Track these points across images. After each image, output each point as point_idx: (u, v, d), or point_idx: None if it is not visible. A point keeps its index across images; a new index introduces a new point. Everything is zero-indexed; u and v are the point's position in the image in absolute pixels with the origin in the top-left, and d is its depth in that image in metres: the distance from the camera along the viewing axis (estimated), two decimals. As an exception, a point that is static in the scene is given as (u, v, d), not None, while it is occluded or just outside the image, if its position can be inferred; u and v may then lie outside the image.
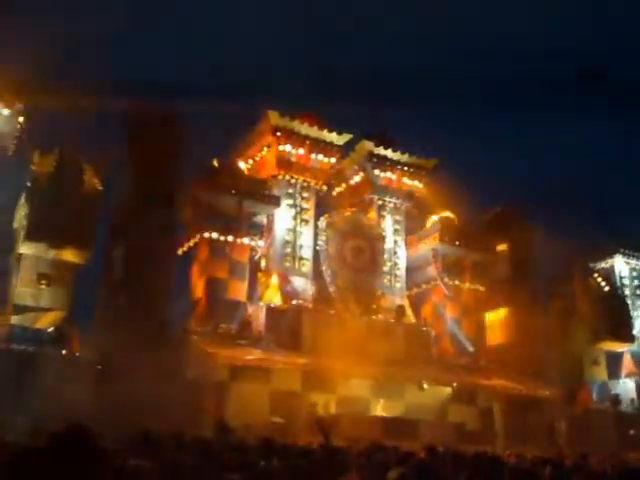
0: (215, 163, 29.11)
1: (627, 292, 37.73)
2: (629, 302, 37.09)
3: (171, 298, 26.10)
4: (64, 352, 22.68)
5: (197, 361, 22.22)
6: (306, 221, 30.84)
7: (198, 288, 27.80)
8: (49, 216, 23.78)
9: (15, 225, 25.30)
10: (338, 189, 34.32)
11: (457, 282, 33.71)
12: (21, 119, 24.74)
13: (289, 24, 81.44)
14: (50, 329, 23.66)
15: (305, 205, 31.03)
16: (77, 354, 23.10)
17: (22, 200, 24.94)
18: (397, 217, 33.97)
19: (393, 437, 19.25)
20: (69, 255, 24.78)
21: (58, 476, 2.52)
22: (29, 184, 24.86)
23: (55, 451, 2.54)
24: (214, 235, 27.66)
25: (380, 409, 26.19)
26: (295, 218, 30.57)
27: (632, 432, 30.01)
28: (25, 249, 24.37)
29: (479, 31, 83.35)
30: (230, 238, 27.98)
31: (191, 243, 28.60)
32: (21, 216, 24.79)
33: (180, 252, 28.71)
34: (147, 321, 22.60)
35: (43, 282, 24.21)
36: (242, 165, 31.55)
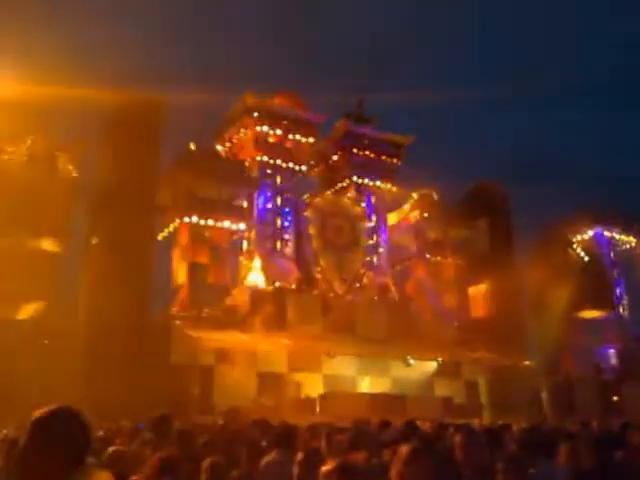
0: (192, 147, 28.76)
1: (606, 262, 38.14)
2: (608, 271, 37.55)
3: (153, 284, 25.91)
4: (46, 342, 22.48)
5: (182, 346, 22.11)
6: (286, 202, 30.65)
7: (180, 273, 27.60)
8: (25, 206, 23.41)
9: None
10: (317, 169, 34.16)
11: (439, 257, 33.87)
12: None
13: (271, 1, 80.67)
14: (32, 319, 23.41)
15: (285, 186, 30.82)
16: (61, 344, 22.89)
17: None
18: (377, 195, 33.90)
19: (380, 413, 19.35)
20: (47, 244, 24.48)
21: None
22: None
23: (39, 433, 2.51)
24: (194, 219, 27.40)
25: (366, 386, 26.33)
26: (275, 199, 30.37)
27: (615, 399, 30.52)
28: (2, 240, 23.98)
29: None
30: (210, 222, 27.75)
31: (171, 228, 28.34)
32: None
33: (160, 237, 28.45)
34: (129, 308, 22.42)
35: (22, 272, 23.88)
36: (220, 148, 31.27)
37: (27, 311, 23.67)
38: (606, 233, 38.77)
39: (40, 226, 24.00)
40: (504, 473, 3.93)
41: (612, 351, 35.43)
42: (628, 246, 39.23)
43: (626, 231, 38.97)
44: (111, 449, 5.81)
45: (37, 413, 2.55)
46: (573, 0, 79.96)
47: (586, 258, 36.92)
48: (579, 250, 37.12)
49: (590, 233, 38.68)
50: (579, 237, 38.37)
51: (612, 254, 38.75)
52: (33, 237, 24.06)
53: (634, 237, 38.96)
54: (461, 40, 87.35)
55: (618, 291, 37.61)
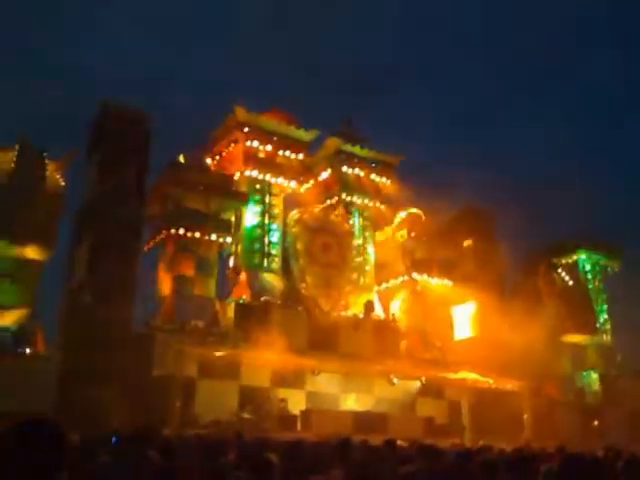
0: (181, 159, 28.76)
1: (590, 286, 38.44)
2: (592, 296, 37.83)
3: (137, 295, 25.72)
4: (28, 351, 22.23)
5: (165, 358, 21.95)
6: (274, 218, 30.66)
7: (165, 285, 27.44)
8: (10, 213, 23.27)
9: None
10: (306, 186, 34.20)
11: (425, 277, 33.92)
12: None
13: (259, 20, 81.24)
14: (13, 328, 23.15)
15: (273, 202, 30.84)
16: (41, 353, 22.66)
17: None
18: (365, 213, 34.04)
19: (362, 431, 19.30)
20: (32, 252, 24.27)
21: (22, 460, 2.41)
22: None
23: (20, 436, 2.44)
24: (181, 231, 27.29)
25: (349, 404, 26.24)
26: (263, 215, 30.37)
27: (596, 423, 30.62)
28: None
29: (451, 27, 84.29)
30: (197, 234, 27.67)
31: (157, 240, 28.22)
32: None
33: (146, 249, 28.30)
34: (112, 319, 22.24)
35: (5, 280, 23.68)
36: (209, 161, 31.29)
37: (9, 318, 23.41)
38: (591, 258, 39.13)
39: (26, 234, 23.80)
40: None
41: (595, 376, 35.61)
42: (612, 271, 39.58)
43: (610, 256, 39.35)
44: (99, 460, 5.74)
45: (10, 424, 2.48)
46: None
47: (570, 282, 37.19)
48: (563, 274, 37.37)
49: (575, 257, 39.02)
50: (564, 261, 38.68)
51: (596, 279, 39.07)
52: (18, 244, 23.86)
53: (618, 263, 39.34)
54: (454, 58, 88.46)
55: (601, 316, 37.87)
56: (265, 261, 29.59)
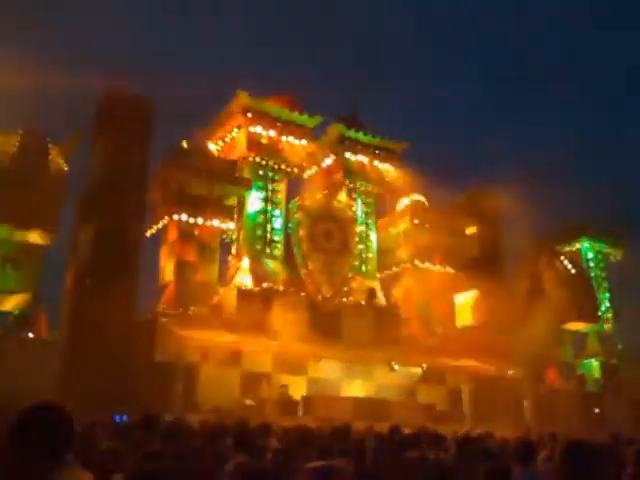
0: (184, 144, 28.67)
1: (592, 274, 38.41)
2: (594, 284, 37.80)
3: (140, 281, 25.78)
4: (30, 335, 22.33)
5: (167, 344, 22.03)
6: (277, 204, 30.63)
7: (167, 271, 27.50)
8: (13, 197, 23.25)
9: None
10: (309, 172, 34.09)
11: (427, 264, 33.87)
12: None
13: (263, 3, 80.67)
14: (16, 312, 23.24)
15: (276, 188, 30.80)
16: (44, 337, 22.76)
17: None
18: (368, 200, 33.97)
19: (364, 418, 19.42)
20: (35, 237, 24.29)
21: (31, 444, 2.44)
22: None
23: (29, 420, 2.46)
24: (183, 217, 27.30)
25: (351, 390, 26.34)
26: (266, 201, 30.34)
27: (597, 411, 30.73)
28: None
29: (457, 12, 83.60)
30: (200, 220, 27.67)
31: (159, 225, 28.22)
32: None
33: (148, 234, 28.33)
34: (115, 304, 22.29)
35: (8, 264, 23.71)
36: (212, 147, 31.19)
37: (11, 303, 23.49)
38: (593, 246, 39.06)
39: (29, 218, 23.81)
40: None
41: (596, 364, 35.69)
42: (614, 259, 39.53)
43: (613, 244, 39.29)
44: (105, 444, 5.79)
45: (21, 409, 2.49)
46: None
47: (572, 270, 37.14)
48: (566, 262, 37.32)
49: (577, 245, 38.96)
50: (566, 249, 38.61)
51: (598, 267, 39.04)
52: (21, 229, 23.88)
53: (620, 251, 39.27)
54: (459, 44, 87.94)
55: (603, 304, 37.87)
56: (267, 247, 29.62)
